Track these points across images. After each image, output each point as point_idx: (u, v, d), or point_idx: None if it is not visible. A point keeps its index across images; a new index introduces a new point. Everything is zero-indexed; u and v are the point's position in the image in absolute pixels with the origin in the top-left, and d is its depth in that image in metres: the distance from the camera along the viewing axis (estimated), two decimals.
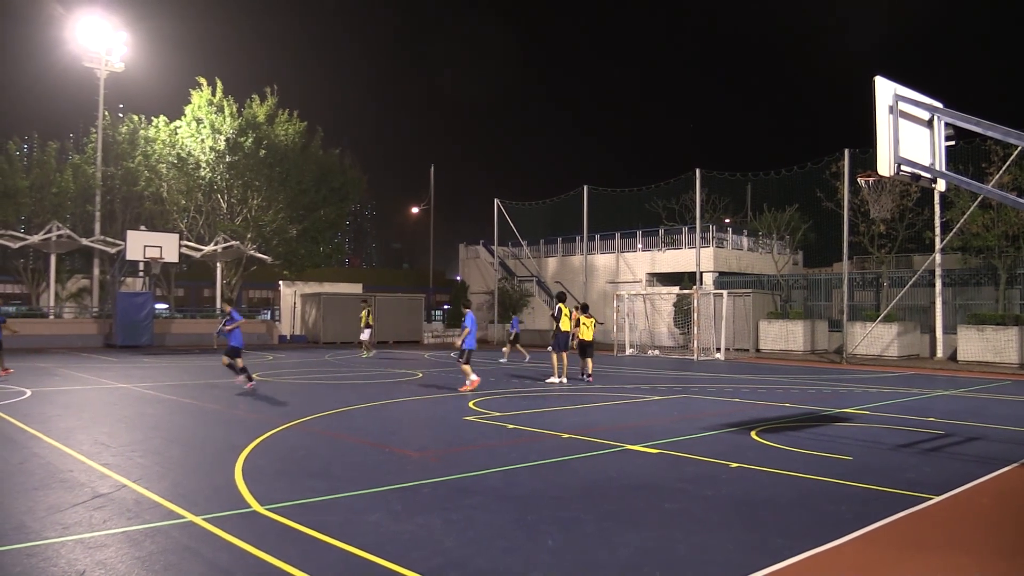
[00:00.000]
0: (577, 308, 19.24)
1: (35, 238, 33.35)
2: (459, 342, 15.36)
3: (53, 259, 34.95)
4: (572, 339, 18.26)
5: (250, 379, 14.88)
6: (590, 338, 18.39)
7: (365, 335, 27.23)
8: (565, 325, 18.20)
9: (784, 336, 30.27)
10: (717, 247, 36.82)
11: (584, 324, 18.34)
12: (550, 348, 18.54)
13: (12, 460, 8.12)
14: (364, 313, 27.45)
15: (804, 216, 33.35)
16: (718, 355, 28.08)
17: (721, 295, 29.55)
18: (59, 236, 33.29)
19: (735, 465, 8.10)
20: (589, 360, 18.37)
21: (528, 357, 25.24)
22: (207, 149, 36.38)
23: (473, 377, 15.28)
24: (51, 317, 34.87)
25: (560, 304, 18.68)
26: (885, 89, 9.16)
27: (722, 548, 5.38)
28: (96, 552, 5.10)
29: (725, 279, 35.54)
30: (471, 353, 15.35)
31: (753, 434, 10.20)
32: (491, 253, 44.65)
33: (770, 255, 34.58)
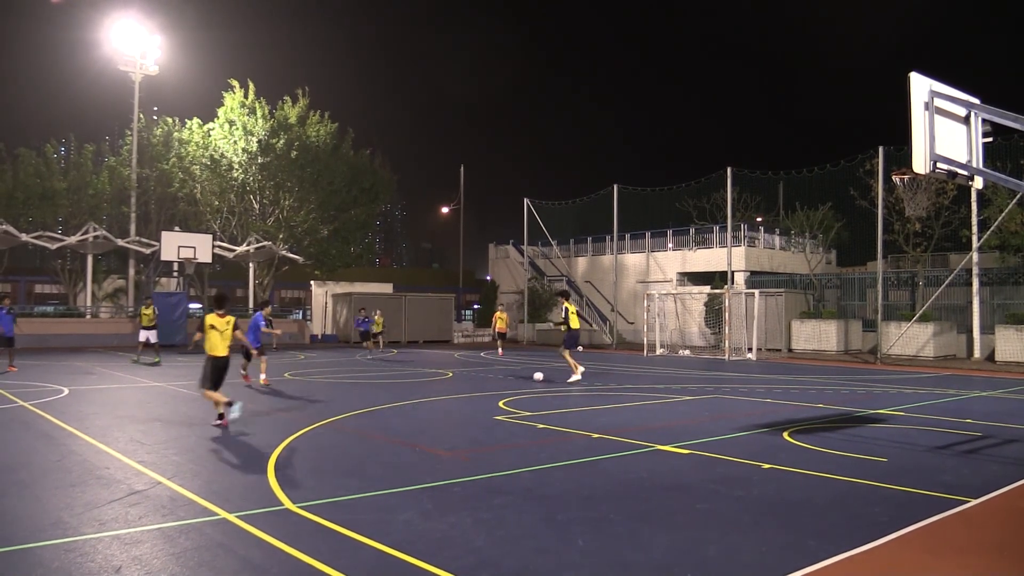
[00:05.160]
0: (561, 295, 18.70)
1: (72, 239, 33.96)
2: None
3: (90, 260, 35.53)
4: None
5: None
6: (577, 325, 17.86)
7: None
8: (575, 323, 17.74)
9: (817, 336, 29.93)
10: (749, 246, 36.48)
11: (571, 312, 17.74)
12: (563, 348, 17.86)
13: (50, 457, 8.27)
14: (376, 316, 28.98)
15: (837, 214, 32.93)
16: (750, 355, 27.84)
17: (753, 294, 29.28)
18: (95, 237, 33.87)
19: (767, 466, 8.03)
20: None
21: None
22: (240, 151, 36.75)
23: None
24: (88, 317, 35.47)
25: (566, 303, 18.06)
26: (920, 85, 9.02)
27: (754, 549, 5.34)
28: (132, 548, 5.18)
29: (757, 278, 35.22)
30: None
31: (786, 435, 10.10)
32: (521, 253, 44.63)
33: (803, 254, 34.20)
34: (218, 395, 10.43)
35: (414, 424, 11.33)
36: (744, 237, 36.27)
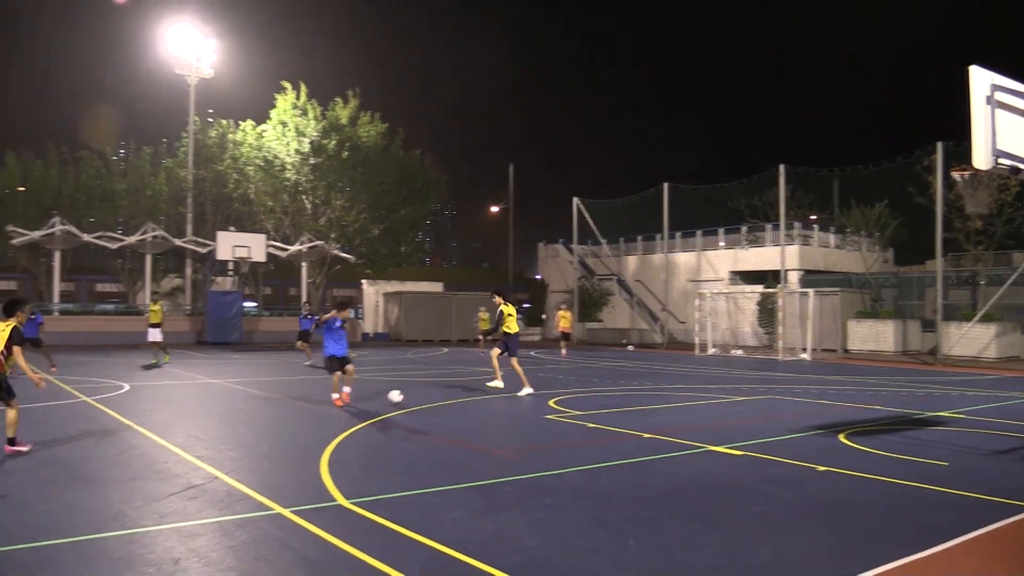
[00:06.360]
0: (496, 294, 15.74)
1: (131, 239, 34.87)
2: None
3: (148, 259, 36.41)
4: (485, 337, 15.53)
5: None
6: (515, 329, 15.19)
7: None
8: (513, 326, 15.02)
9: (874, 336, 29.31)
10: (802, 244, 35.86)
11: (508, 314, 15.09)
12: (502, 353, 15.28)
13: (111, 451, 8.49)
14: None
15: (894, 212, 32.21)
16: (804, 355, 27.39)
17: (807, 294, 28.80)
18: (154, 237, 34.73)
19: (822, 468, 7.89)
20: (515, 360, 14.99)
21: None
22: (292, 151, 37.30)
23: None
24: (147, 315, 36.32)
25: (501, 304, 15.18)
26: (981, 79, 8.78)
27: (808, 553, 5.25)
28: (190, 540, 5.29)
29: (811, 277, 34.59)
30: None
31: (841, 437, 9.91)
32: (570, 252, 44.55)
33: (858, 252, 33.54)
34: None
35: (464, 422, 11.39)
36: (798, 235, 35.68)
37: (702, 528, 5.78)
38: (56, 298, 34.82)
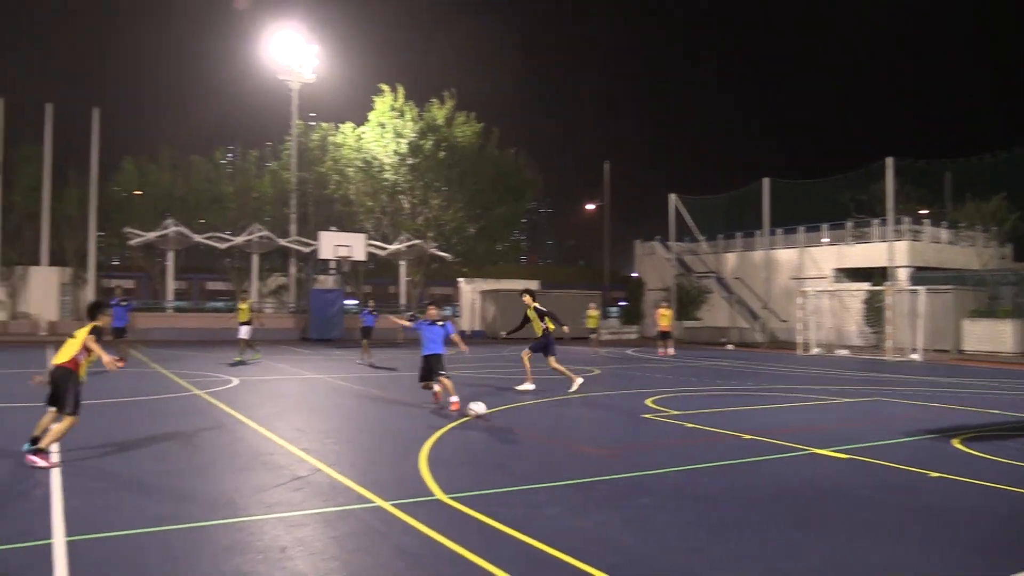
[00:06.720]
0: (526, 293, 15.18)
1: (239, 239, 36.32)
2: None
3: (255, 258, 37.85)
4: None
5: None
6: (550, 328, 14.80)
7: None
8: (550, 323, 14.78)
9: (991, 336, 27.85)
10: (912, 240, 34.38)
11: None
12: (534, 352, 14.85)
13: (222, 442, 8.84)
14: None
15: (1012, 205, 30.57)
16: (914, 356, 26.26)
17: (917, 291, 27.61)
18: (259, 237, 36.10)
19: (935, 475, 7.53)
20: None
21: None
22: (390, 152, 38.05)
23: None
24: (253, 312, 37.67)
25: (530, 302, 14.92)
26: None
27: (921, 563, 5.02)
28: (295, 530, 5.45)
29: (922, 274, 33.14)
30: None
31: (956, 442, 9.43)
32: (667, 249, 43.99)
33: (973, 248, 31.95)
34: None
35: (561, 420, 11.37)
36: (907, 230, 34.22)
37: (806, 534, 5.60)
38: (170, 296, 36.55)
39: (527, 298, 15.03)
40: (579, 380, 14.71)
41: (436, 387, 12.01)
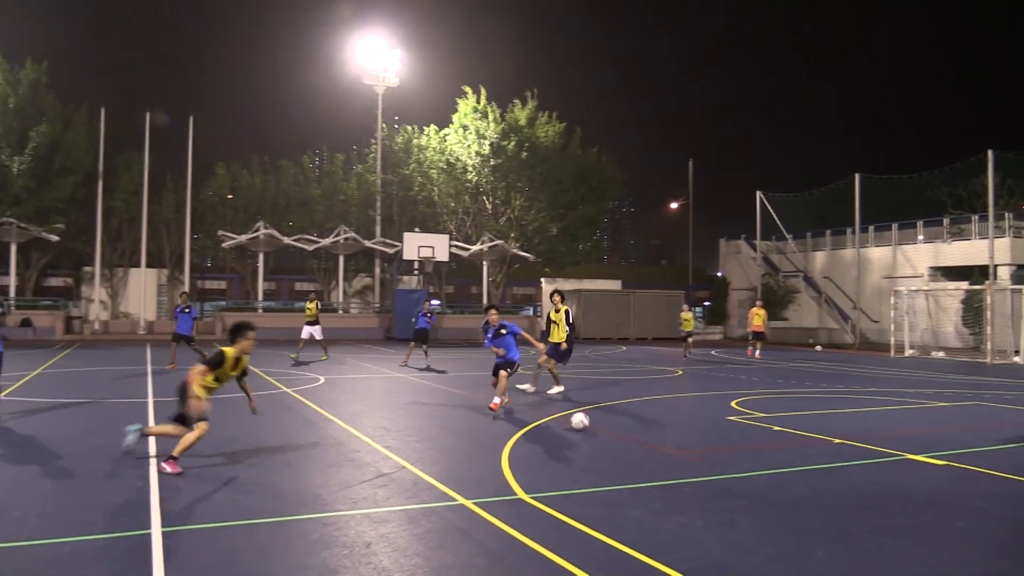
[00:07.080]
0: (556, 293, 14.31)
1: (326, 241, 37.25)
2: None
3: (341, 259, 38.72)
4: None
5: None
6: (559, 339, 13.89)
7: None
8: (556, 335, 13.96)
9: None
10: (1014, 237, 32.78)
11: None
12: (550, 357, 13.69)
13: (309, 439, 9.05)
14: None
15: None
16: (1017, 358, 25.05)
17: (1020, 291, 26.32)
18: (346, 239, 36.95)
19: None
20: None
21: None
22: (473, 154, 38.38)
23: None
24: (340, 312, 38.57)
25: (558, 302, 14.07)
26: None
27: None
28: (380, 526, 5.54)
29: None
30: None
31: None
32: (753, 248, 43.08)
33: None
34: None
35: (644, 421, 11.25)
36: (1009, 227, 32.65)
37: (900, 543, 5.39)
38: (260, 296, 37.70)
39: (556, 298, 14.10)
40: (532, 388, 13.81)
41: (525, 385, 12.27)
